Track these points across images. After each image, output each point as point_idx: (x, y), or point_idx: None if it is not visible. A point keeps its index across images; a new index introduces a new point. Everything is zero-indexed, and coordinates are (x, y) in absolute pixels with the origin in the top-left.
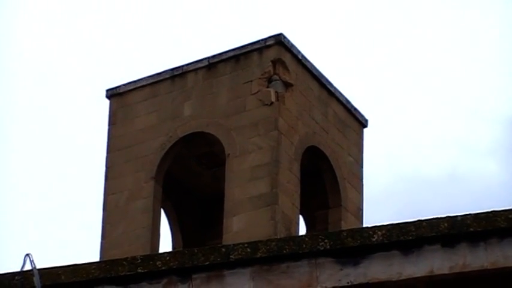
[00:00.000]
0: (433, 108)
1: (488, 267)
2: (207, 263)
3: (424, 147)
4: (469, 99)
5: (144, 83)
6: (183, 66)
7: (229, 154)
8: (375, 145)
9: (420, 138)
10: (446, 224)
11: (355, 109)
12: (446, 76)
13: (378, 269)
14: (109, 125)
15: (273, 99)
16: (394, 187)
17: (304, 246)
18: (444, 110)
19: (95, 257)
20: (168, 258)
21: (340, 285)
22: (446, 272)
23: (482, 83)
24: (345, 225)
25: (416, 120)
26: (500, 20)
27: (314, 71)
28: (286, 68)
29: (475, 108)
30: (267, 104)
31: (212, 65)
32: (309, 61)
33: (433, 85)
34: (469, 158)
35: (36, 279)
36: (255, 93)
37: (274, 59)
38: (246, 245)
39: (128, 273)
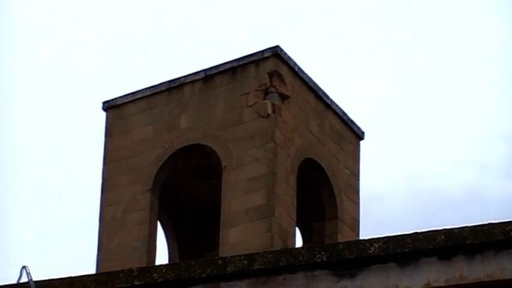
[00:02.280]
0: (431, 122)
1: (485, 280)
2: (204, 275)
3: (421, 161)
4: (468, 113)
5: (141, 95)
6: (179, 78)
7: (225, 166)
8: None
9: (418, 151)
10: (442, 237)
11: (352, 121)
12: (447, 90)
13: (374, 281)
14: (105, 137)
15: (270, 111)
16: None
17: (300, 258)
18: (442, 124)
19: (91, 269)
20: (164, 270)
21: None
22: (442, 284)
23: (479, 100)
24: (341, 238)
25: (412, 132)
26: None
27: (310, 83)
28: (282, 80)
29: (472, 123)
30: (263, 116)
31: (209, 77)
32: (305, 73)
33: (431, 99)
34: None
35: None
36: (251, 105)
37: (271, 71)
38: (242, 257)
39: (125, 285)
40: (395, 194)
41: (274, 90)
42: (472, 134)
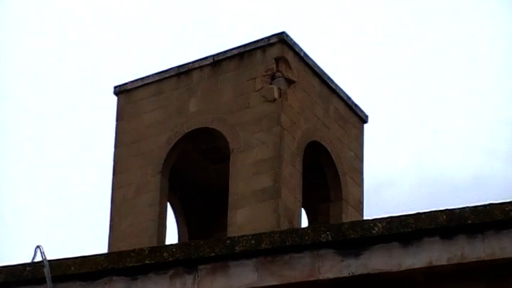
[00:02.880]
0: (436, 107)
1: (486, 259)
2: (213, 254)
3: (427, 146)
4: (473, 98)
5: (151, 80)
6: (188, 63)
7: (233, 149)
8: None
9: (423, 136)
10: (444, 217)
11: (356, 105)
12: (452, 75)
13: (378, 260)
14: (117, 120)
15: (276, 95)
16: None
17: (306, 238)
18: (448, 109)
19: (103, 249)
20: (174, 250)
21: (341, 276)
22: (444, 263)
23: (485, 86)
24: (345, 218)
25: (417, 117)
26: None
27: (316, 68)
28: (288, 65)
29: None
30: (270, 101)
31: (217, 62)
32: (310, 59)
33: (436, 84)
34: (462, 153)
35: (46, 271)
36: (258, 90)
37: (277, 57)
38: (250, 237)
39: (136, 264)
40: (403, 178)
41: (281, 75)
42: (478, 120)
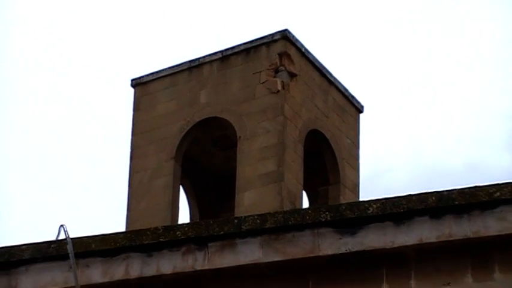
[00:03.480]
0: (425, 97)
1: (471, 236)
2: (222, 233)
3: (423, 134)
4: (467, 89)
5: (165, 73)
6: (199, 58)
7: (240, 137)
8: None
9: (419, 125)
10: (434, 198)
11: (353, 96)
12: (446, 69)
13: (373, 238)
14: (133, 111)
15: (279, 87)
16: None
17: (307, 218)
18: (433, 98)
19: (122, 228)
20: (186, 228)
21: (339, 252)
22: (433, 240)
23: (472, 77)
24: (343, 200)
25: (413, 107)
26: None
27: (316, 63)
28: (291, 60)
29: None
30: (274, 92)
31: (225, 57)
32: (311, 54)
33: (431, 77)
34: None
35: (69, 248)
36: (263, 83)
37: (281, 52)
38: (256, 217)
39: (151, 242)
40: (400, 166)
41: (284, 69)
42: (470, 110)
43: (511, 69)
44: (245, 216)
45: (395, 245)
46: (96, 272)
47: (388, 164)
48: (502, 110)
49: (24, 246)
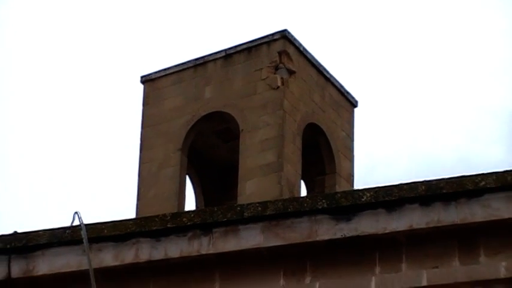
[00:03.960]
0: (418, 93)
1: (458, 223)
2: (225, 219)
3: (417, 129)
4: (459, 87)
5: (172, 70)
6: (204, 56)
7: (242, 130)
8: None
9: (413, 121)
10: (423, 187)
11: (348, 92)
12: (437, 67)
13: (366, 224)
14: (143, 105)
15: (279, 84)
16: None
17: (305, 205)
18: (426, 95)
19: (132, 215)
20: (192, 215)
21: (335, 237)
22: (423, 226)
23: (462, 75)
24: (338, 188)
25: (407, 103)
26: (504, 16)
27: (313, 61)
28: (290, 58)
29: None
30: (274, 88)
31: (228, 55)
32: (308, 52)
33: (419, 73)
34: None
35: (83, 233)
36: (264, 79)
37: (280, 51)
38: (257, 204)
39: (159, 228)
40: (396, 159)
41: (283, 66)
42: (461, 106)
43: (500, 66)
44: (247, 204)
45: (387, 231)
46: (108, 256)
47: (383, 157)
48: (493, 106)
49: (41, 232)
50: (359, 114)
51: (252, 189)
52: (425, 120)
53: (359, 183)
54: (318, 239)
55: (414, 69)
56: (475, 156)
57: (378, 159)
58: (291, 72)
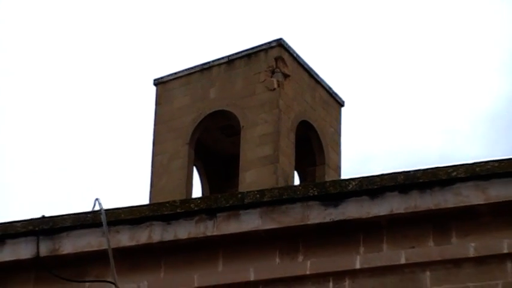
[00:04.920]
0: (401, 94)
1: (433, 208)
2: (228, 205)
3: (400, 128)
4: (439, 88)
5: (181, 74)
6: (209, 62)
7: (243, 126)
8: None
9: (397, 120)
10: (402, 177)
11: (335, 93)
12: (415, 69)
13: (352, 209)
14: (155, 105)
15: (275, 86)
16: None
17: (298, 193)
18: (409, 96)
19: (145, 201)
20: (199, 201)
21: (324, 221)
22: (402, 211)
23: (442, 77)
24: (327, 178)
25: (385, 102)
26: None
27: (305, 65)
28: (285, 63)
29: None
30: (271, 90)
31: (231, 61)
32: (301, 58)
33: (401, 75)
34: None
35: (103, 217)
36: (262, 82)
37: (276, 57)
38: (256, 192)
39: (170, 212)
40: (383, 154)
41: (279, 71)
42: (443, 107)
43: (479, 71)
44: (247, 192)
45: (370, 215)
46: (124, 237)
47: (373, 152)
48: (472, 107)
49: (65, 216)
50: (346, 113)
51: (251, 179)
52: (409, 119)
53: (349, 175)
54: (309, 222)
55: (398, 73)
56: (455, 153)
57: (365, 155)
58: (285, 76)
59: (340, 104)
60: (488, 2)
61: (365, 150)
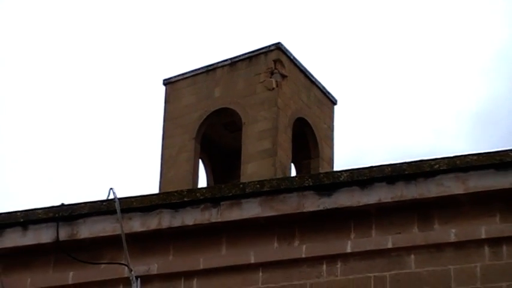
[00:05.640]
0: (392, 94)
1: (417, 197)
2: (230, 194)
3: (391, 126)
4: (420, 88)
5: (188, 75)
6: (214, 63)
7: (244, 122)
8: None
9: (387, 118)
10: (389, 169)
11: (329, 93)
12: (402, 70)
13: (343, 198)
14: (165, 103)
15: (274, 85)
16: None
17: (294, 183)
18: (399, 95)
19: (155, 190)
20: (204, 191)
21: (318, 209)
22: (389, 200)
23: (429, 79)
24: (321, 170)
25: (376, 101)
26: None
27: (301, 67)
28: (282, 65)
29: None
30: (270, 89)
31: (233, 63)
32: (298, 60)
33: (390, 75)
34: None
35: (117, 205)
36: (262, 82)
37: (275, 59)
38: (256, 182)
39: (177, 201)
40: (377, 150)
41: (277, 72)
42: (431, 106)
43: (464, 73)
44: (248, 182)
45: (361, 204)
46: (136, 223)
47: (368, 148)
48: (457, 107)
49: (82, 204)
50: (339, 111)
51: (252, 170)
52: (399, 117)
53: (342, 167)
54: (304, 210)
55: (389, 74)
56: (441, 149)
57: (364, 150)
58: (283, 77)
59: (333, 102)
60: (472, 10)
61: (358, 146)
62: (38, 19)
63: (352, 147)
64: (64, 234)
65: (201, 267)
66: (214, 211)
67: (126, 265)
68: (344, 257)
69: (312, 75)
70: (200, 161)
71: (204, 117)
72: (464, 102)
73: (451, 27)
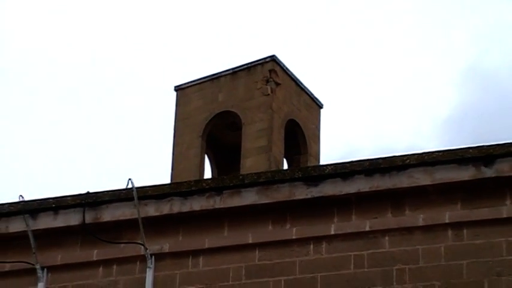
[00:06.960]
0: (374, 96)
1: (391, 187)
2: (232, 184)
3: (376, 125)
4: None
5: (196, 82)
6: (217, 73)
7: (244, 123)
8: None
9: (372, 119)
10: (367, 163)
11: (316, 98)
12: (384, 72)
13: (328, 188)
14: (176, 106)
15: (269, 92)
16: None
17: (286, 175)
18: (380, 97)
19: (168, 181)
20: (209, 181)
21: (306, 197)
22: (367, 190)
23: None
24: (309, 164)
25: (359, 106)
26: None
27: (292, 76)
28: (277, 74)
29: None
30: (265, 95)
31: (235, 72)
32: (289, 70)
33: (373, 79)
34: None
35: (134, 193)
36: (259, 89)
37: (270, 69)
38: (253, 174)
39: (186, 190)
40: (364, 147)
41: (272, 80)
42: (409, 108)
43: (439, 77)
44: (247, 174)
45: (343, 193)
46: (151, 209)
47: (356, 146)
48: (433, 109)
49: (105, 192)
50: (324, 114)
51: (250, 164)
52: (380, 120)
53: (327, 162)
54: (295, 198)
55: (371, 82)
56: (418, 147)
57: (353, 148)
58: (277, 84)
59: (320, 106)
60: (446, 28)
61: (343, 144)
62: (59, 29)
63: (338, 145)
64: (89, 217)
65: (206, 246)
66: (217, 199)
67: (142, 244)
68: (328, 238)
69: (301, 83)
70: (206, 156)
71: (210, 118)
72: (438, 108)
73: (427, 42)
